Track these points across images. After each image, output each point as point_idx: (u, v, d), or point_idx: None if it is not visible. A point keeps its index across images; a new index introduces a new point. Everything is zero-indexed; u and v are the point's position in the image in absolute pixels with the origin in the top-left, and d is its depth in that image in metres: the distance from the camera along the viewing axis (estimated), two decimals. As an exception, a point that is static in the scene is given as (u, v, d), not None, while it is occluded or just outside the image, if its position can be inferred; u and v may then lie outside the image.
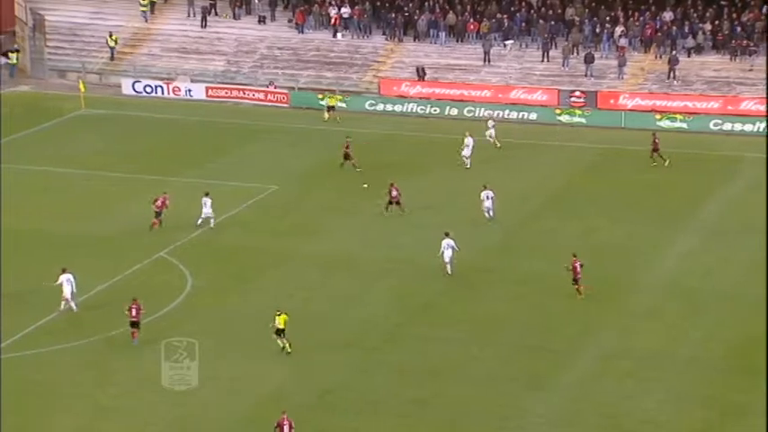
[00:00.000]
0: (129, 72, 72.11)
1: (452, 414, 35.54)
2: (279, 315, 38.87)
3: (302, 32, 74.67)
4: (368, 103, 68.67)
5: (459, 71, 70.77)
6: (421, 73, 70.04)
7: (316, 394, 36.47)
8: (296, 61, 72.94)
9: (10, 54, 74.50)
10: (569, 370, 38.22)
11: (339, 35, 73.93)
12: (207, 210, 49.05)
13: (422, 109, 67.60)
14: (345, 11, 74.28)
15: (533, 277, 44.79)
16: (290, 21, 75.48)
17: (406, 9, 73.82)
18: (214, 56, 73.57)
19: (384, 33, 73.72)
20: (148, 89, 70.08)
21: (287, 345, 38.73)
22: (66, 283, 41.28)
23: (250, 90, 69.49)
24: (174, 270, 45.10)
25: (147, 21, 76.21)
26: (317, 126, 63.87)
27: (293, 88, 69.89)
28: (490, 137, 59.23)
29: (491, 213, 50.10)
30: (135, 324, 39.26)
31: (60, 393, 36.08)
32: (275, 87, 69.54)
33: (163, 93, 69.94)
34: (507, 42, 71.32)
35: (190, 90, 69.82)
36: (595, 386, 37.23)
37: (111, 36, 73.67)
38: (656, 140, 57.84)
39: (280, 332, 38.75)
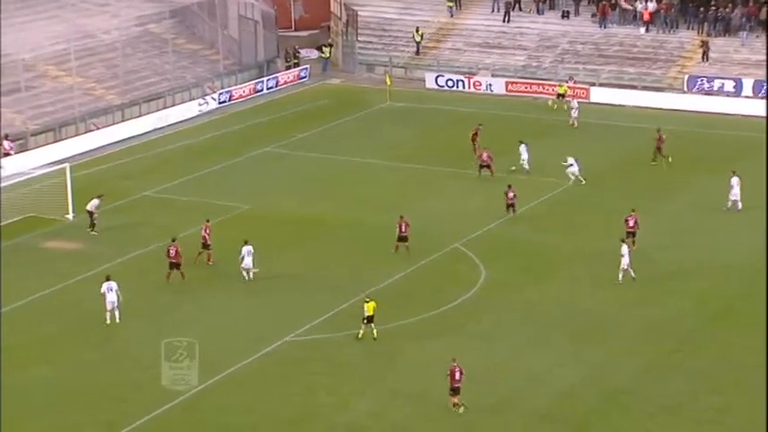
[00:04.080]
0: (433, 66, 73.65)
1: (754, 425, 34.40)
2: (368, 302, 38.92)
3: (605, 27, 74.19)
4: (672, 98, 67.53)
5: (770, 67, 68.57)
6: (705, 48, 68.58)
7: (608, 394, 36.29)
8: (597, 56, 72.54)
9: (324, 48, 77.64)
10: None
11: (641, 30, 73.04)
12: (525, 156, 54.17)
13: (729, 106, 65.90)
14: (652, 5, 73.25)
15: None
16: (593, 15, 75.13)
17: (712, 3, 72.03)
18: (515, 50, 74.13)
19: (691, 28, 72.34)
20: (450, 83, 71.38)
21: (374, 332, 38.84)
22: (248, 255, 43.12)
23: (550, 85, 69.66)
24: (468, 261, 45.81)
25: (452, 16, 77.76)
26: (615, 122, 63.35)
27: (593, 83, 69.63)
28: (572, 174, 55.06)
29: (738, 205, 49.34)
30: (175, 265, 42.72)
31: (354, 376, 37.41)
32: (575, 82, 69.48)
33: (464, 87, 71.14)
34: (827, 38, 68.48)
35: (490, 84, 70.69)
36: None
37: (417, 31, 75.50)
38: (661, 137, 55.51)
39: (369, 319, 38.86)
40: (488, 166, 54.39)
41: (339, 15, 78.94)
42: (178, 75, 68.45)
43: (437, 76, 71.86)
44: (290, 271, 45.01)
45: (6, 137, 57.80)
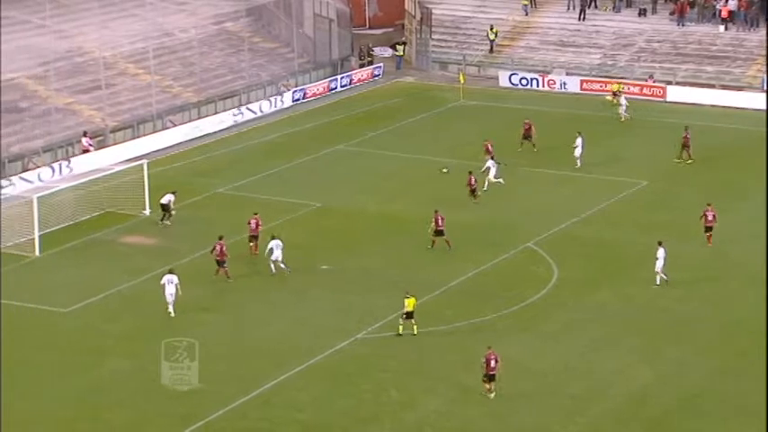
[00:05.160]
0: (507, 65, 73.35)
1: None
2: (408, 298, 39.06)
3: (683, 25, 73.41)
4: (750, 98, 66.59)
5: None
6: None
7: (680, 396, 35.97)
8: (674, 55, 71.80)
9: (397, 46, 77.76)
10: None
11: (720, 28, 72.16)
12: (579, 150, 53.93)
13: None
14: (732, 3, 72.30)
15: None
16: (671, 13, 74.36)
17: (796, -1, 71.11)
18: (590, 49, 73.61)
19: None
20: (524, 81, 71.05)
21: (414, 328, 39.09)
22: (276, 248, 43.70)
23: (625, 83, 68.97)
24: (541, 260, 45.63)
25: (527, 14, 77.43)
26: (691, 121, 62.58)
27: (670, 82, 68.95)
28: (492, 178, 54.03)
29: None
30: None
31: (425, 374, 37.37)
32: (654, 81, 68.86)
33: (538, 85, 70.77)
34: None
35: (564, 83, 70.29)
36: None
37: (491, 29, 75.19)
38: (688, 135, 54.88)
39: (409, 315, 38.91)
40: (491, 156, 54.46)
41: (413, 13, 79.00)
42: (253, 73, 68.93)
43: (511, 75, 71.58)
44: (361, 268, 45.15)
45: (85, 134, 58.72)
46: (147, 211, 50.74)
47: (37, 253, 46.55)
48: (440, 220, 46.12)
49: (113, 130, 60.95)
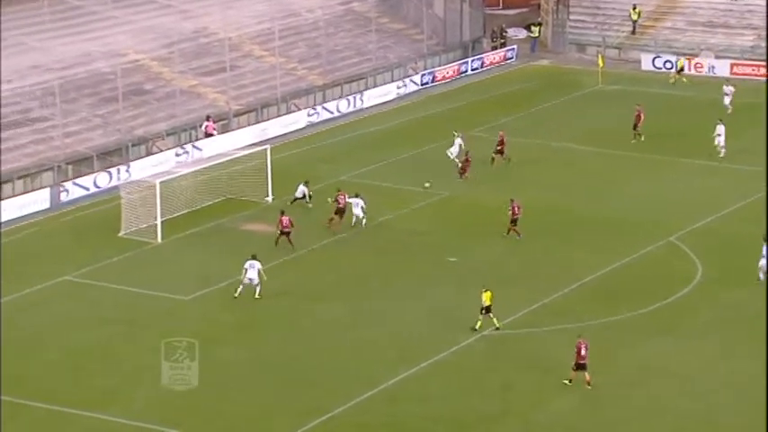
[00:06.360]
0: (650, 47, 71.13)
1: None
2: (485, 292, 38.25)
3: (843, 4, 69.73)
4: None
5: None
6: None
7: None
8: (835, 35, 68.29)
9: (532, 27, 75.96)
10: None
11: None
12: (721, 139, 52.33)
13: None
14: None
15: None
16: (832, -9, 70.76)
17: None
18: (743, 30, 70.82)
19: None
20: (668, 65, 68.57)
21: (495, 321, 38.22)
22: (356, 206, 46.12)
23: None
24: (683, 257, 43.74)
25: (679, -8, 74.78)
26: None
27: (830, 64, 65.55)
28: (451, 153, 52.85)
29: None
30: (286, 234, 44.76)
31: (554, 373, 35.69)
32: (809, 64, 65.57)
33: (684, 69, 67.87)
34: None
35: (713, 66, 67.72)
36: None
37: (634, 9, 72.91)
38: None
39: (487, 309, 38.11)
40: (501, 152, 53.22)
41: (550, -6, 76.74)
42: (380, 55, 67.49)
43: (654, 58, 69.23)
44: (489, 261, 43.89)
45: (209, 118, 57.78)
46: (270, 198, 49.74)
47: (159, 239, 45.96)
48: (516, 209, 45.12)
49: (237, 114, 59.98)
